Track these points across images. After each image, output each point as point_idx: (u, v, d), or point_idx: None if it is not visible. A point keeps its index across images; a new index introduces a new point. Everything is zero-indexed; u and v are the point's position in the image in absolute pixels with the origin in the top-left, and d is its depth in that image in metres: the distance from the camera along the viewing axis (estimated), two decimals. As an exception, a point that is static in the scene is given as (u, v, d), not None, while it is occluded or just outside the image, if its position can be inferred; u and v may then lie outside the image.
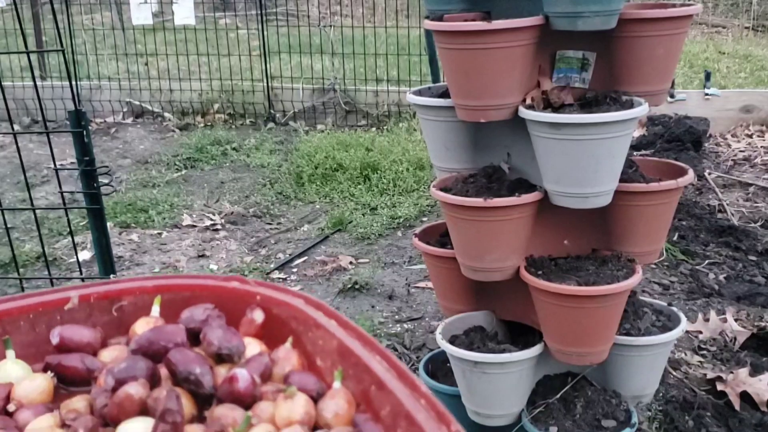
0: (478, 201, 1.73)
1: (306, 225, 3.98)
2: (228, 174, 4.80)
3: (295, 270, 3.43)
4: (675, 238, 3.43)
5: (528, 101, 1.72)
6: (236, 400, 0.63)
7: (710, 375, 2.34)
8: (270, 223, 4.04)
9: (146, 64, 6.63)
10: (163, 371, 0.66)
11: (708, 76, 5.29)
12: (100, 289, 0.77)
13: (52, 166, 2.10)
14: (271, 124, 5.85)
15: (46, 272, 2.45)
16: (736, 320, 2.66)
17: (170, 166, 4.96)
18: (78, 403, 0.65)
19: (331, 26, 6.44)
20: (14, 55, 6.43)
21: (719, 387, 2.27)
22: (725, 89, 5.57)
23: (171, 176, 4.77)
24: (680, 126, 4.74)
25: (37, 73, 5.49)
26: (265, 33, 5.87)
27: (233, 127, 5.90)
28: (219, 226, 3.98)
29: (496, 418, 1.90)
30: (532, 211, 1.78)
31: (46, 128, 2.18)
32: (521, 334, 1.99)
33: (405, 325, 2.88)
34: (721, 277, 3.12)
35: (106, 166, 2.19)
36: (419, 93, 2.00)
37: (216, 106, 6.06)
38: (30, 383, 0.67)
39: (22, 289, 2.45)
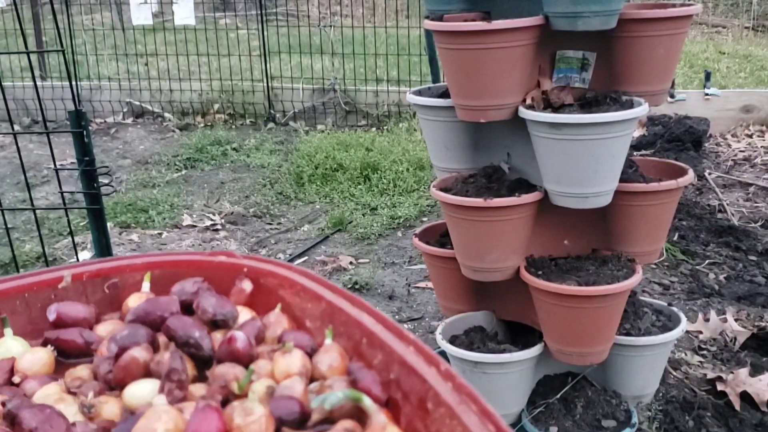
0: (478, 201, 1.73)
1: (306, 225, 3.98)
2: (228, 174, 4.80)
3: (295, 270, 3.43)
4: (675, 238, 3.42)
5: (528, 101, 1.72)
6: (235, 360, 0.65)
7: (710, 375, 2.34)
8: (270, 224, 4.04)
9: (146, 64, 6.63)
10: (162, 339, 0.68)
11: (708, 76, 5.28)
12: (92, 267, 0.79)
13: (52, 166, 2.10)
14: (271, 125, 5.85)
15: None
16: (736, 320, 2.66)
17: (170, 167, 4.95)
18: (81, 371, 0.67)
19: (331, 26, 6.44)
20: (14, 56, 6.43)
21: (719, 387, 2.27)
22: (725, 89, 5.56)
23: (171, 176, 4.77)
24: (680, 126, 4.74)
25: (37, 73, 5.49)
26: (265, 33, 5.86)
27: (233, 127, 5.90)
28: (219, 227, 3.97)
29: (496, 418, 1.90)
30: (532, 211, 1.78)
31: (46, 128, 2.18)
32: (521, 334, 1.99)
33: (405, 326, 2.88)
34: (721, 277, 3.12)
35: (106, 167, 2.19)
36: (419, 93, 2.00)
37: (216, 106, 6.06)
38: (32, 356, 0.69)
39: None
